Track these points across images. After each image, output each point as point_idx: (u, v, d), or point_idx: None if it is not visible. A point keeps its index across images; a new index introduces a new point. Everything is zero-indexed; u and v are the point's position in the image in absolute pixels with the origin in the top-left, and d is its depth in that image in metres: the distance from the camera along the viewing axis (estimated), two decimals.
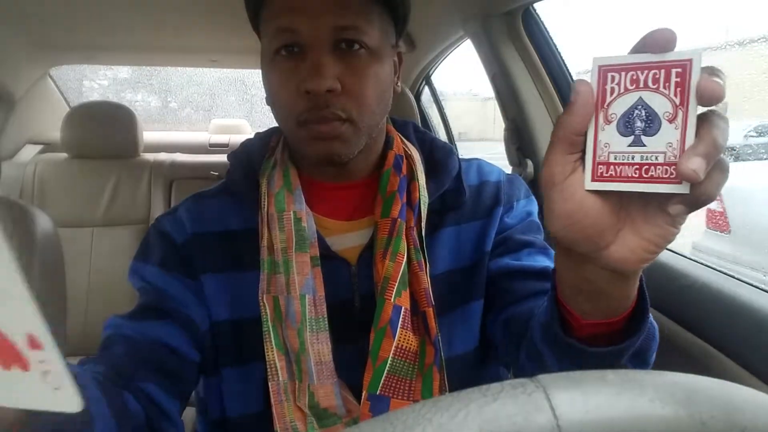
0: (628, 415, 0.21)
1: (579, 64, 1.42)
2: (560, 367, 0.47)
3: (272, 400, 0.57)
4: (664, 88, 0.32)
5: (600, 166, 0.35)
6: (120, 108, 1.90)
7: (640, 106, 0.33)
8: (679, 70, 0.31)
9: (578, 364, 0.45)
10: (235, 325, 0.61)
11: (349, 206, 0.65)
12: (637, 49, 0.33)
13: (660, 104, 0.32)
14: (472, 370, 0.65)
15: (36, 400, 0.27)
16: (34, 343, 0.26)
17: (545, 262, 0.63)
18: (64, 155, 1.89)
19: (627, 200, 0.36)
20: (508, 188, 0.69)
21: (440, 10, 1.33)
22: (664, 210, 0.34)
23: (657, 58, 0.32)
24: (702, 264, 0.99)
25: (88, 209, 1.82)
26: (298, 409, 0.57)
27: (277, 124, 0.64)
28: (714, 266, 0.97)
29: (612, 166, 0.34)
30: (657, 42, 0.32)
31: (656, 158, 0.33)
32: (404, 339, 0.57)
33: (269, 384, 0.57)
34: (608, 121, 0.34)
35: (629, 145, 0.33)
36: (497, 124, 1.46)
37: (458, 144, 2.27)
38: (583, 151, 0.35)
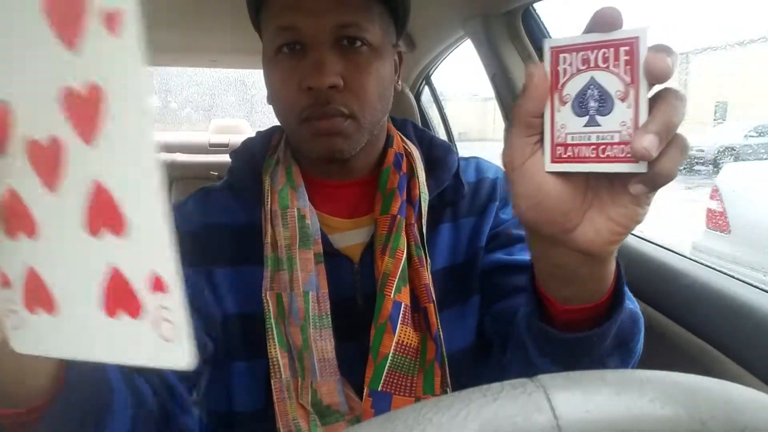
0: (628, 415, 0.21)
1: None
2: (542, 357, 0.47)
3: (275, 398, 0.57)
4: (614, 66, 0.32)
5: (558, 148, 0.34)
6: None
7: (592, 86, 0.33)
8: (627, 48, 0.31)
9: (556, 352, 0.45)
10: (244, 320, 0.61)
11: (351, 204, 0.65)
12: (588, 29, 0.33)
13: (611, 83, 0.32)
14: (472, 365, 0.65)
15: (144, 353, 0.24)
16: (158, 285, 0.23)
17: None
18: None
19: (594, 181, 0.36)
20: (505, 184, 0.69)
21: (440, 10, 1.33)
22: (629, 190, 0.34)
23: (606, 37, 0.32)
24: (702, 264, 0.99)
25: None
26: (300, 406, 0.57)
27: (277, 123, 0.64)
28: (714, 266, 0.97)
29: (570, 147, 0.34)
30: (604, 20, 0.32)
31: (612, 138, 0.32)
32: (405, 335, 0.57)
33: (272, 381, 0.57)
34: (563, 102, 0.34)
35: (584, 126, 0.33)
36: (497, 124, 1.46)
37: (458, 144, 2.27)
38: (542, 133, 0.35)
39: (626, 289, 0.44)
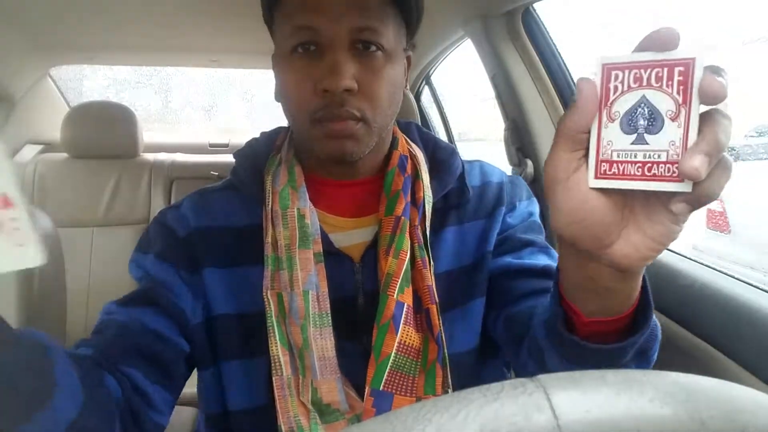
0: (628, 415, 0.21)
1: (579, 64, 1.42)
2: (562, 365, 0.48)
3: (276, 395, 0.58)
4: (667, 86, 0.32)
5: (603, 164, 0.35)
6: (120, 108, 1.90)
7: (643, 104, 0.33)
8: (682, 68, 0.32)
9: (581, 362, 0.45)
10: (239, 319, 0.62)
11: (354, 204, 0.65)
12: (641, 47, 0.33)
13: (663, 102, 0.32)
14: (474, 367, 0.66)
15: (5, 260, 0.29)
16: (7, 203, 0.28)
17: (546, 261, 0.64)
18: (64, 155, 1.89)
19: (631, 198, 0.36)
20: (510, 189, 0.70)
21: (440, 11, 1.33)
22: (668, 208, 0.34)
23: (660, 56, 0.32)
24: (702, 264, 0.99)
25: (88, 209, 1.82)
26: (301, 404, 0.58)
27: (277, 124, 0.64)
28: (714, 266, 0.97)
29: (615, 164, 0.34)
30: (660, 40, 0.32)
31: (659, 156, 0.33)
32: (407, 335, 0.58)
33: (273, 379, 0.58)
34: (611, 119, 0.34)
35: (632, 143, 0.34)
36: (497, 124, 1.46)
37: (458, 144, 2.27)
38: (587, 149, 0.35)
39: (651, 303, 0.44)
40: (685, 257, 1.04)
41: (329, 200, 0.65)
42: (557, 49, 1.27)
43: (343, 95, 0.55)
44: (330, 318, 0.58)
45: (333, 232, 0.63)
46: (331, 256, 0.61)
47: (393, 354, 0.57)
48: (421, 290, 0.60)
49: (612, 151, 0.34)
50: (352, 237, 0.64)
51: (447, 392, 0.59)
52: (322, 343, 0.58)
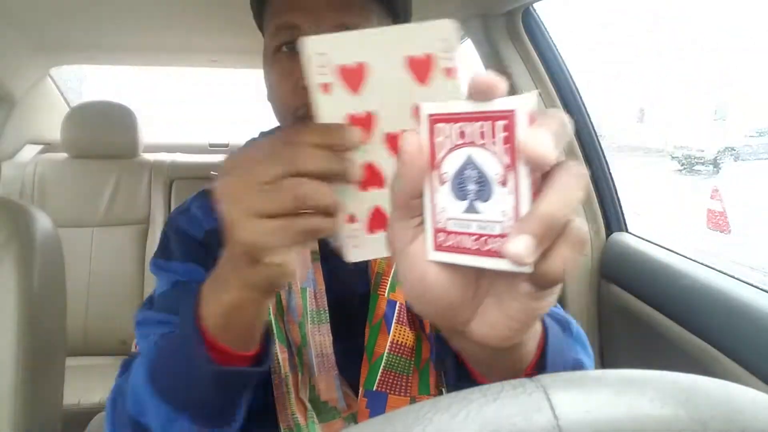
0: (628, 415, 0.21)
1: (579, 65, 1.41)
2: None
3: (274, 393, 0.58)
4: (492, 144, 0.26)
5: (439, 234, 0.29)
6: (120, 108, 1.90)
7: (470, 166, 0.27)
8: (505, 122, 0.26)
9: None
10: None
11: None
12: (467, 93, 0.27)
13: (490, 164, 0.26)
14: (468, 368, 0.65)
15: None
16: None
17: None
18: (64, 155, 1.88)
19: (488, 272, 0.29)
20: None
21: (440, 10, 1.33)
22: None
23: (483, 107, 0.26)
24: (702, 264, 0.99)
25: (88, 209, 1.82)
26: (299, 402, 0.58)
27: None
28: (714, 266, 0.97)
29: (451, 235, 0.28)
30: (479, 89, 0.26)
31: (493, 228, 0.27)
32: (399, 334, 0.58)
33: (272, 376, 0.58)
34: (442, 182, 0.28)
35: (464, 212, 0.28)
36: None
37: None
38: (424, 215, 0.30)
39: (564, 348, 0.40)
40: (685, 257, 1.04)
41: None
42: (557, 49, 1.27)
43: None
44: (327, 314, 0.59)
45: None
46: (326, 255, 0.61)
47: (386, 354, 0.57)
48: None
49: (447, 220, 0.28)
50: None
51: (441, 392, 0.59)
52: (320, 339, 0.58)
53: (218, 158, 2.03)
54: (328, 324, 0.58)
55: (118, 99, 1.96)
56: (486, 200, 0.27)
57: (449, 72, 0.32)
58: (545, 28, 1.26)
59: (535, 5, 1.20)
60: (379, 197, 0.37)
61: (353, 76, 0.35)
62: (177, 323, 0.56)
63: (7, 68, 1.74)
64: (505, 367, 0.36)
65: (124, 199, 1.86)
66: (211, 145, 2.43)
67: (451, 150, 0.28)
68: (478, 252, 0.28)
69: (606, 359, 1.27)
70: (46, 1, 1.34)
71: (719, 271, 0.94)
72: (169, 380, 0.45)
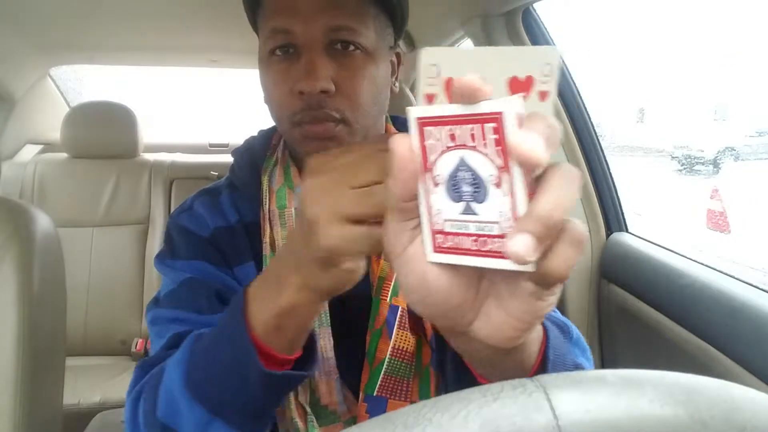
0: (628, 415, 0.21)
1: (578, 64, 1.41)
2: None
3: None
4: (483, 147, 0.26)
5: (438, 236, 0.29)
6: (120, 108, 1.90)
7: (463, 168, 0.27)
8: (494, 125, 0.26)
9: None
10: None
11: None
12: (452, 97, 0.28)
13: (483, 166, 0.27)
14: (468, 371, 0.65)
15: None
16: None
17: None
18: (64, 155, 1.88)
19: (489, 272, 0.29)
20: None
21: (440, 10, 1.33)
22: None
23: (471, 110, 0.26)
24: (702, 264, 0.99)
25: (88, 209, 1.82)
26: (299, 406, 0.57)
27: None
28: (714, 266, 0.97)
29: (450, 236, 0.29)
30: (462, 93, 0.26)
31: (491, 229, 0.27)
32: (401, 339, 0.57)
33: None
34: (436, 184, 0.28)
35: (461, 213, 0.28)
36: None
37: None
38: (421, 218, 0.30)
39: (565, 352, 0.40)
40: (685, 257, 1.04)
41: None
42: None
43: (321, 97, 0.54)
44: (329, 317, 0.58)
45: None
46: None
47: (387, 359, 0.56)
48: None
49: (444, 221, 0.29)
50: None
51: None
52: (322, 342, 0.57)
53: (218, 158, 2.03)
54: (329, 327, 0.58)
55: (118, 99, 1.96)
56: (482, 201, 0.27)
57: (543, 95, 0.29)
58: (545, 28, 1.26)
59: (535, 5, 1.20)
60: None
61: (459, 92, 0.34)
62: (196, 321, 0.55)
63: (7, 68, 1.74)
64: (508, 368, 0.36)
65: (124, 199, 1.86)
66: (211, 145, 2.43)
67: (443, 152, 0.28)
68: (478, 252, 0.28)
69: (606, 359, 1.27)
70: (46, 2, 1.34)
71: (719, 271, 0.94)
72: (211, 384, 0.44)
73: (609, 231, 1.29)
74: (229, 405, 0.44)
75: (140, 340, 1.74)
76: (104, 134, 1.86)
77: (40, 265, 0.81)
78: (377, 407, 0.56)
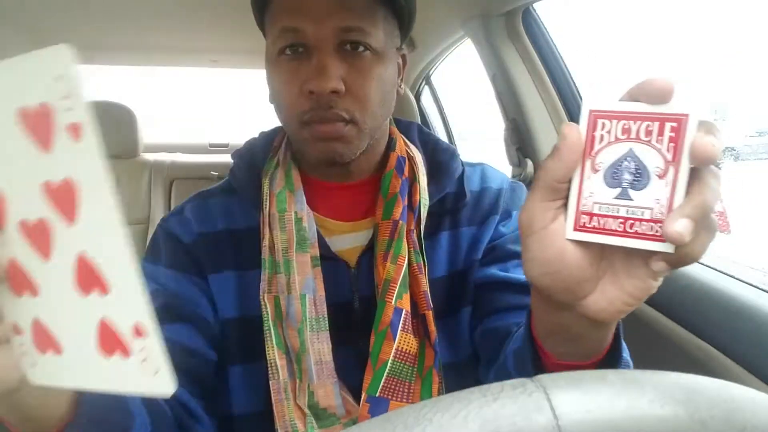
0: (628, 415, 0.21)
1: (578, 64, 1.42)
2: None
3: (273, 399, 0.57)
4: (657, 142, 0.30)
5: (583, 216, 0.33)
6: (120, 108, 1.90)
7: (629, 158, 0.31)
8: (675, 124, 0.30)
9: None
10: (242, 323, 0.61)
11: (350, 206, 0.65)
12: (632, 95, 0.31)
13: (651, 158, 0.31)
14: (471, 373, 0.65)
15: (133, 384, 0.29)
16: (139, 332, 0.28)
17: None
18: None
19: (610, 251, 0.34)
20: (509, 196, 0.68)
21: (440, 11, 1.33)
22: (647, 265, 0.33)
23: (652, 108, 0.30)
24: (702, 264, 0.99)
25: None
26: (298, 408, 0.57)
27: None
28: (714, 266, 0.97)
29: (595, 217, 0.32)
30: (654, 91, 0.30)
31: (642, 214, 0.31)
32: (404, 342, 0.57)
33: (270, 383, 0.58)
34: (595, 170, 0.32)
35: (615, 198, 0.32)
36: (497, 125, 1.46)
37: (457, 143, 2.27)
38: (567, 198, 0.33)
39: (623, 345, 0.43)
40: None
41: (325, 203, 0.64)
42: (557, 49, 1.27)
43: (331, 97, 0.54)
44: (327, 322, 0.58)
45: (329, 236, 0.63)
46: (328, 260, 0.60)
47: (390, 360, 0.56)
48: (417, 296, 0.59)
49: (594, 204, 0.32)
50: (347, 241, 0.63)
51: None
52: (319, 347, 0.57)
53: (218, 158, 2.03)
54: (328, 332, 0.58)
55: (118, 99, 1.96)
56: (640, 189, 0.31)
57: (75, 130, 0.26)
58: (545, 28, 1.26)
59: (535, 5, 1.20)
60: (36, 307, 0.30)
61: None
62: None
63: None
64: (589, 346, 0.40)
65: (124, 199, 1.85)
66: (211, 145, 2.43)
67: (610, 143, 0.31)
68: (623, 233, 0.32)
69: None
70: (46, 1, 1.34)
71: (719, 271, 0.94)
72: None
73: None
74: None
75: None
76: (104, 134, 1.83)
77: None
78: (379, 408, 0.56)
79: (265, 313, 0.58)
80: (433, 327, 0.58)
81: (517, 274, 0.62)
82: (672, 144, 0.30)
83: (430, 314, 0.59)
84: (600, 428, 0.21)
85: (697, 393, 0.22)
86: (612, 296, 0.34)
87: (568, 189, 0.33)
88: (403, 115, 0.66)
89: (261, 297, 0.59)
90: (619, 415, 0.21)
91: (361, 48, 0.56)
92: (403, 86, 0.66)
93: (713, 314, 0.87)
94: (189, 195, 0.68)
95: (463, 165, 0.67)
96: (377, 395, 0.56)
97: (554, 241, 0.34)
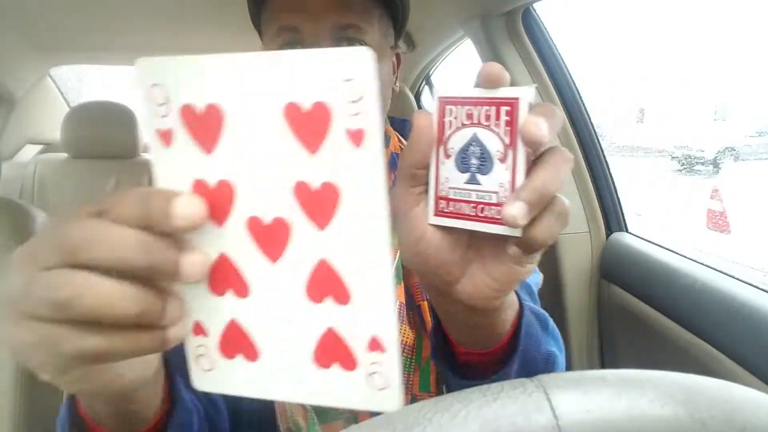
0: (628, 415, 0.21)
1: (578, 64, 1.42)
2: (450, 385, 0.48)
3: None
4: (495, 126, 0.31)
5: (441, 201, 0.33)
6: (120, 108, 1.90)
7: (474, 143, 0.32)
8: (508, 108, 0.30)
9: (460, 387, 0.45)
10: None
11: None
12: (476, 82, 0.32)
13: (492, 142, 0.31)
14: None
15: (349, 397, 0.28)
16: (376, 345, 0.27)
17: None
18: (64, 155, 1.88)
19: (477, 237, 0.34)
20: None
21: (440, 10, 1.33)
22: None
23: (490, 94, 0.31)
24: (702, 264, 0.99)
25: None
26: (299, 404, 0.57)
27: None
28: (714, 266, 0.97)
29: (451, 202, 0.33)
30: (488, 77, 0.31)
31: (490, 198, 0.32)
32: (401, 333, 0.58)
33: None
34: (447, 155, 0.33)
35: (466, 182, 0.32)
36: None
37: None
38: (427, 184, 0.34)
39: (537, 333, 0.44)
40: (685, 257, 1.04)
41: None
42: (557, 49, 1.27)
43: None
44: None
45: None
46: None
47: None
48: (413, 287, 0.60)
49: (449, 189, 0.33)
50: None
51: (442, 390, 0.59)
52: None
53: None
54: None
55: (119, 99, 1.96)
56: (486, 173, 0.31)
57: (358, 136, 0.25)
58: (545, 28, 1.26)
59: (535, 5, 1.20)
60: (238, 309, 0.28)
61: (203, 125, 0.27)
62: None
63: (7, 68, 1.74)
64: (482, 332, 0.41)
65: None
66: None
67: (458, 129, 0.32)
68: (476, 218, 0.32)
69: (606, 359, 1.27)
70: (46, 1, 1.34)
71: (719, 271, 0.94)
72: None
73: (609, 231, 1.29)
74: None
75: None
76: (104, 134, 1.85)
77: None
78: None
79: None
80: (428, 317, 0.59)
81: None
82: (508, 128, 0.30)
83: (425, 305, 0.59)
84: (600, 428, 0.21)
85: (697, 393, 0.22)
86: (478, 281, 0.35)
87: (427, 175, 0.34)
88: (404, 114, 0.67)
89: None
90: (619, 415, 0.21)
91: (357, 45, 0.57)
92: (398, 84, 0.67)
93: (713, 314, 0.87)
94: None
95: None
96: None
97: (417, 224, 0.34)
